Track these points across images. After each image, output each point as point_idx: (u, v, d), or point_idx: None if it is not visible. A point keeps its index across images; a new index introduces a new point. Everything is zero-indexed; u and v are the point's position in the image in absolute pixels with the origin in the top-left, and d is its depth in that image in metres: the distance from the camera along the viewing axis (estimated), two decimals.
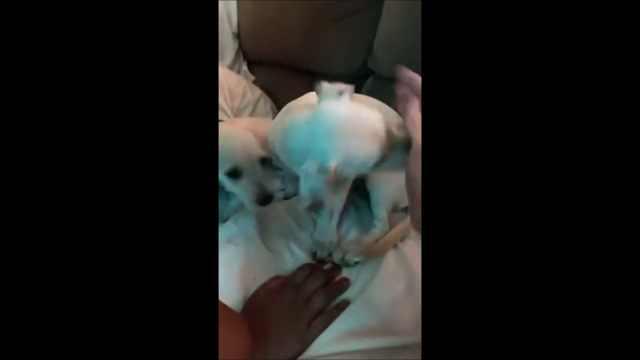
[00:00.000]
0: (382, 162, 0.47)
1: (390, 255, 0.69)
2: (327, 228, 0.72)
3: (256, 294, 0.61)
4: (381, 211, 0.74)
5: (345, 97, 0.46)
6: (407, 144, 0.47)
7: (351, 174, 0.48)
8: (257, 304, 0.59)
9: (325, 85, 0.47)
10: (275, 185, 0.66)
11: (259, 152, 0.64)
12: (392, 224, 0.75)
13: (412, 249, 0.71)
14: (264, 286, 0.62)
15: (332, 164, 0.44)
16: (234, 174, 0.63)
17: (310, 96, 0.56)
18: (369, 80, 1.07)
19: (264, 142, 0.65)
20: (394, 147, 0.47)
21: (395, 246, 0.71)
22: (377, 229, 0.73)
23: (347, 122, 0.45)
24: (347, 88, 0.47)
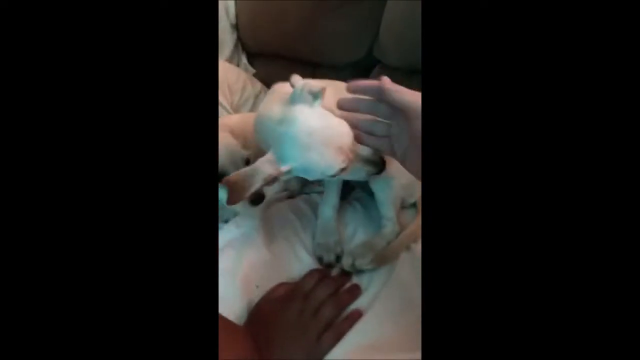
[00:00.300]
0: (342, 172, 0.49)
1: (404, 259, 0.64)
2: (329, 227, 0.67)
3: (260, 303, 0.56)
4: (388, 209, 0.69)
5: (318, 104, 0.47)
6: (370, 161, 0.51)
7: (309, 178, 0.51)
8: (261, 315, 0.54)
9: (299, 84, 0.48)
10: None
11: (242, 152, 0.62)
12: (403, 224, 0.70)
13: None
14: (269, 295, 0.57)
15: (284, 167, 0.47)
16: (220, 178, 0.59)
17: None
18: (375, 69, 1.02)
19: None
20: (357, 161, 0.50)
21: (407, 248, 0.66)
22: (387, 229, 0.68)
23: (314, 135, 0.46)
24: (321, 89, 0.47)
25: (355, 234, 0.69)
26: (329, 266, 0.64)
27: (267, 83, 1.16)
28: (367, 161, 0.51)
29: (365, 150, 0.51)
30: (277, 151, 0.47)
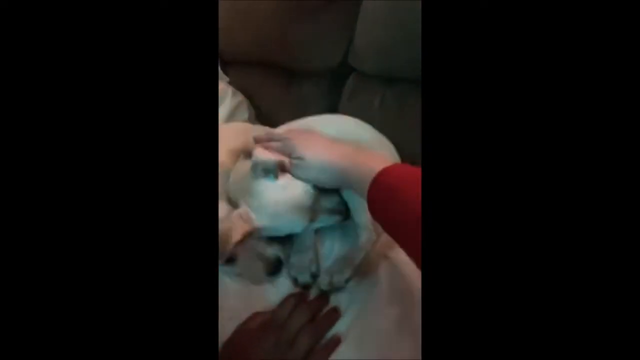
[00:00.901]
0: (310, 225, 0.58)
1: (383, 269, 0.62)
2: (304, 246, 0.65)
3: (234, 336, 0.54)
4: (362, 216, 0.65)
5: (275, 177, 0.56)
6: (335, 211, 0.59)
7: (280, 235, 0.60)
8: (234, 349, 0.52)
9: (255, 159, 0.56)
10: (275, 246, 0.61)
11: (245, 227, 0.58)
12: (378, 232, 0.68)
13: (405, 258, 0.63)
14: (243, 326, 0.54)
15: (257, 223, 0.55)
16: (230, 261, 0.57)
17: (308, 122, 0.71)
18: (350, 78, 1.00)
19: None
20: (323, 214, 0.58)
21: (386, 256, 0.64)
22: (364, 239, 0.64)
23: (278, 205, 0.55)
24: (274, 164, 0.55)
25: (333, 250, 0.66)
26: (306, 287, 0.62)
27: (243, 91, 1.13)
28: (331, 212, 0.59)
29: (328, 203, 0.59)
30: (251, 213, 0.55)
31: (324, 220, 0.60)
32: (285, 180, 0.56)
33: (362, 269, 0.62)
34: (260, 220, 0.55)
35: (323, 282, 0.60)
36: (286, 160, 0.57)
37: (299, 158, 0.56)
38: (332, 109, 1.02)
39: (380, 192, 0.47)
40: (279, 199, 0.55)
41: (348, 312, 0.57)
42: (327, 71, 1.03)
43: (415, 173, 0.46)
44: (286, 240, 0.63)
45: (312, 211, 0.57)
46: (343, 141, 0.60)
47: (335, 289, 0.60)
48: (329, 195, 0.59)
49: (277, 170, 0.56)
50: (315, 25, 1.00)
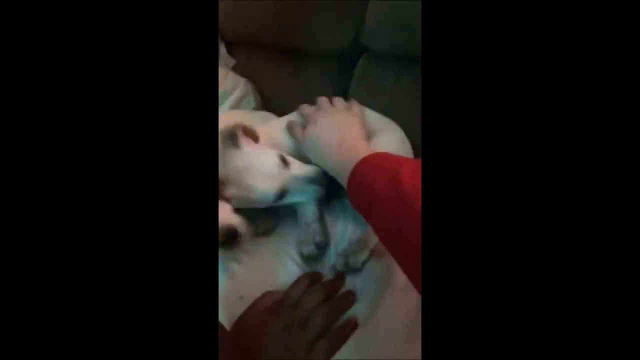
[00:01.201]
0: (284, 196, 0.58)
1: None
2: (309, 223, 0.62)
3: (244, 317, 0.51)
4: None
5: (239, 144, 0.57)
6: (312, 179, 0.58)
7: (254, 206, 0.59)
8: (244, 330, 0.49)
9: (221, 132, 0.57)
10: (235, 217, 0.57)
11: None
12: None
13: None
14: (253, 307, 0.51)
15: (227, 192, 0.55)
16: None
17: None
18: (362, 58, 0.96)
19: None
20: (297, 183, 0.58)
21: None
22: None
23: (242, 171, 0.55)
24: (234, 130, 0.57)
25: (346, 231, 0.64)
26: (311, 258, 0.59)
27: (248, 74, 1.09)
28: (308, 181, 0.58)
29: (304, 171, 0.58)
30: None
31: (302, 191, 0.58)
32: (251, 148, 0.58)
33: (378, 253, 0.58)
34: (227, 190, 0.54)
35: (339, 262, 0.57)
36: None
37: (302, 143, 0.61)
38: (342, 92, 0.99)
39: (355, 197, 0.50)
40: (244, 165, 0.55)
41: (363, 298, 0.54)
42: (336, 53, 0.99)
43: (383, 169, 0.46)
44: (260, 213, 0.62)
45: (281, 179, 0.56)
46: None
47: (352, 270, 0.57)
48: (305, 164, 0.59)
49: (239, 133, 0.57)
50: (324, 6, 0.97)
